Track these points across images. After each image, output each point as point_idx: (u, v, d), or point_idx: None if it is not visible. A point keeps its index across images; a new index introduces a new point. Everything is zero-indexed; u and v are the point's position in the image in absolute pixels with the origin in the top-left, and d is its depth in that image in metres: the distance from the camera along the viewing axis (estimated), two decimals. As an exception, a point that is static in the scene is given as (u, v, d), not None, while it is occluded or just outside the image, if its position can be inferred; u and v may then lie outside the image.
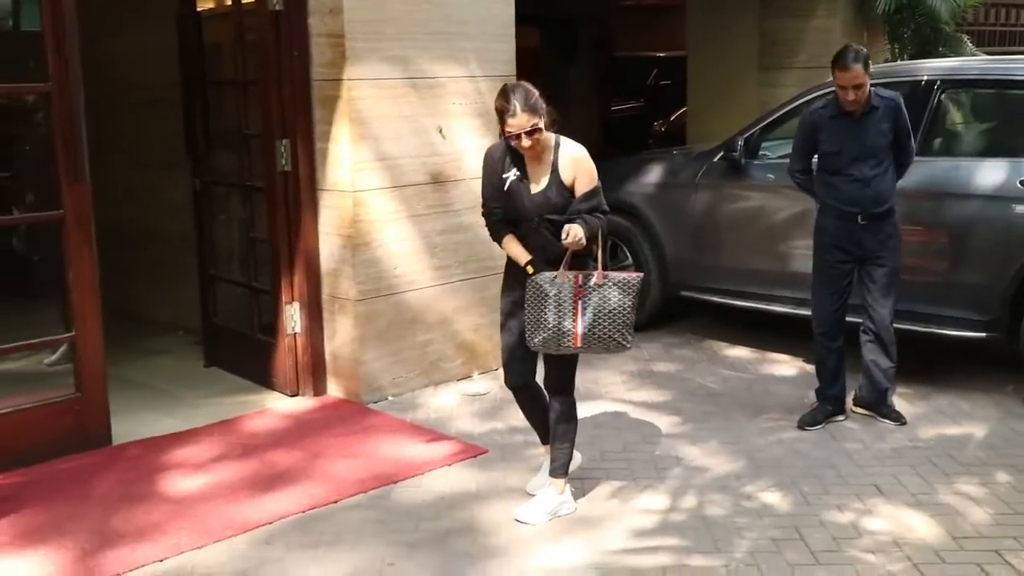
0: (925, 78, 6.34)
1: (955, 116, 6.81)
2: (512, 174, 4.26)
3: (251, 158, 6.26)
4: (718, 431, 5.51)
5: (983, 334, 5.93)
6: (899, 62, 8.90)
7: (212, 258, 6.74)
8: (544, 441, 4.66)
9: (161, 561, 4.12)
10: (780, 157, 6.68)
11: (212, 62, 6.65)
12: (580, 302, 4.14)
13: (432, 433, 5.48)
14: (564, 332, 4.14)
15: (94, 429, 5.25)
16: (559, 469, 4.51)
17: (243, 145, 6.31)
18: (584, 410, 5.77)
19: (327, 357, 6.10)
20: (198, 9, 6.61)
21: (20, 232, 6.54)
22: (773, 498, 4.68)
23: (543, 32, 15.35)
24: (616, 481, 4.87)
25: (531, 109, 4.08)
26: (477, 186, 6.30)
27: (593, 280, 4.16)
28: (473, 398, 6.03)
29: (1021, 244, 5.76)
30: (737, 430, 5.53)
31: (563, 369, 4.43)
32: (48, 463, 4.98)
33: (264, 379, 6.26)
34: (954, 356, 6.58)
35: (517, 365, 4.49)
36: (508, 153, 4.28)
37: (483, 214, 4.46)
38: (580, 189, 4.22)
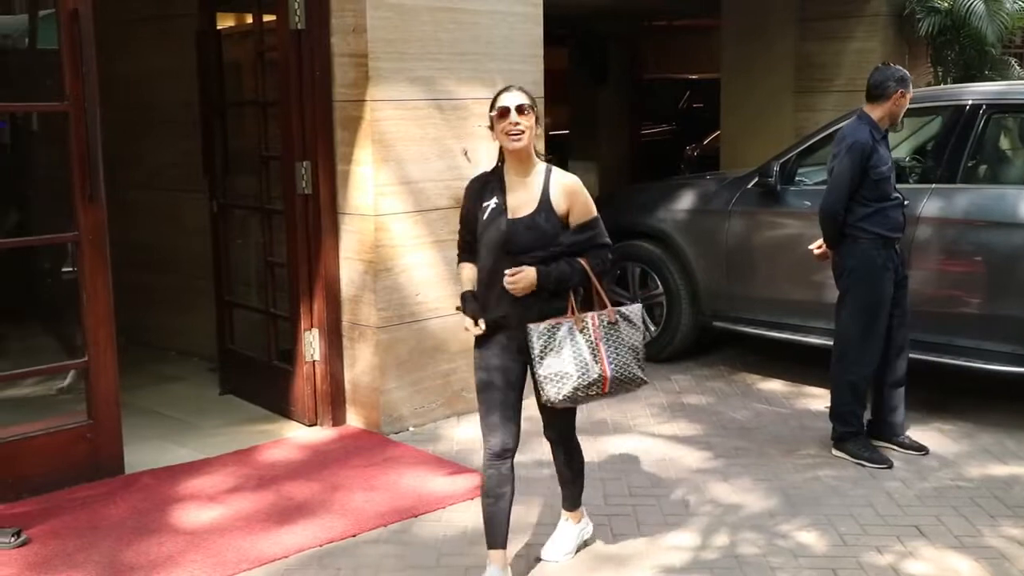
0: (970, 102, 6.35)
1: (1002, 142, 6.82)
2: (492, 202, 3.98)
3: (270, 180, 6.33)
4: (751, 467, 5.50)
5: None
6: (943, 86, 8.91)
7: (229, 283, 6.80)
8: (493, 544, 4.11)
9: (174, 595, 4.17)
10: (817, 184, 6.69)
11: (231, 81, 6.74)
12: (603, 344, 3.98)
13: (454, 466, 5.50)
14: (594, 380, 3.92)
15: (106, 457, 5.30)
16: (576, 503, 4.49)
17: (262, 167, 6.38)
18: (613, 444, 5.80)
19: (347, 386, 6.13)
20: (218, 27, 6.70)
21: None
22: (809, 538, 4.67)
23: (571, 53, 15.44)
24: (645, 517, 4.87)
25: (526, 93, 3.94)
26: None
27: (607, 319, 4.01)
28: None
29: None
30: (771, 466, 5.52)
31: (567, 416, 4.24)
32: (59, 492, 5.02)
33: (281, 408, 6.30)
34: (998, 393, 6.55)
35: (506, 427, 4.03)
36: (491, 181, 4.05)
37: (458, 243, 4.22)
38: (576, 219, 4.00)
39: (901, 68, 5.59)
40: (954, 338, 6.02)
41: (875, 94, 5.52)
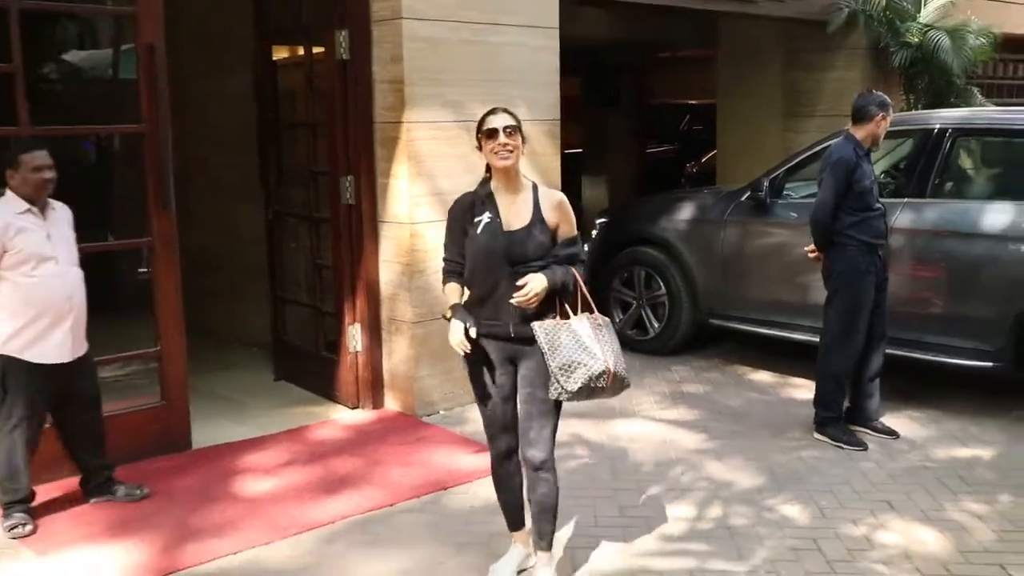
0: (937, 127, 6.35)
1: (965, 162, 6.81)
2: (486, 216, 3.70)
3: (318, 192, 6.37)
4: (742, 448, 5.51)
5: (989, 363, 5.89)
6: (912, 112, 8.88)
7: (282, 282, 6.84)
8: (514, 527, 4.05)
9: (234, 555, 4.20)
10: (803, 197, 6.73)
11: (285, 106, 6.78)
12: (598, 343, 3.63)
13: (480, 445, 5.50)
14: (601, 371, 3.58)
15: (176, 434, 5.36)
16: (551, 542, 3.95)
17: (311, 180, 6.43)
18: (620, 427, 5.82)
19: (385, 374, 6.17)
20: (273, 58, 6.76)
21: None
22: (793, 511, 4.68)
23: (585, 81, 15.44)
24: (648, 492, 4.89)
25: (511, 114, 3.71)
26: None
27: (598, 321, 3.70)
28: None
29: None
30: (760, 448, 5.53)
31: (549, 423, 3.78)
32: (136, 463, 5.08)
33: (328, 392, 6.34)
34: (964, 384, 6.53)
35: (507, 433, 3.87)
36: (479, 199, 3.76)
37: (443, 269, 3.88)
38: (564, 234, 3.74)
39: (882, 94, 5.60)
40: (924, 335, 6.02)
41: (859, 116, 5.53)
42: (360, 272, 6.05)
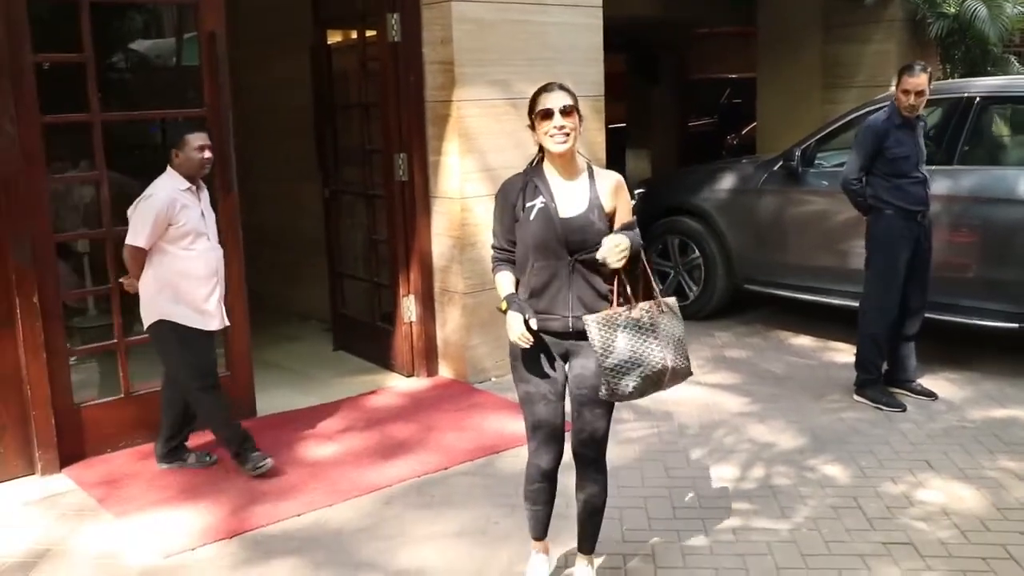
0: (966, 95, 6.25)
1: (997, 129, 6.66)
2: (539, 201, 3.26)
3: (372, 170, 6.38)
4: (784, 411, 5.46)
5: (1017, 325, 5.82)
6: (947, 80, 8.70)
7: (340, 257, 6.88)
8: (539, 536, 3.61)
9: (298, 516, 4.25)
10: (834, 166, 6.64)
11: (340, 87, 6.79)
12: (656, 336, 3.23)
13: (530, 410, 5.52)
14: (658, 370, 3.20)
15: (242, 402, 5.40)
16: (594, 545, 3.63)
17: (366, 159, 6.44)
18: (664, 392, 5.78)
19: (439, 343, 6.18)
20: (328, 42, 6.76)
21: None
22: (833, 471, 4.63)
23: (629, 58, 15.31)
24: (693, 453, 4.87)
25: (570, 93, 3.29)
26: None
27: (658, 309, 3.27)
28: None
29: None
30: (801, 410, 5.47)
31: (603, 420, 3.39)
32: (206, 431, 5.14)
33: (384, 362, 6.38)
34: (1002, 347, 6.41)
35: (554, 444, 3.40)
36: (530, 182, 3.33)
37: (492, 256, 3.46)
38: (621, 218, 3.32)
39: (913, 62, 5.45)
40: (958, 299, 5.92)
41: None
42: (413, 246, 6.06)
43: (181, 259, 4.48)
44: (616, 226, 3.30)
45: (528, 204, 3.28)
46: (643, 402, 5.57)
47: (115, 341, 5.03)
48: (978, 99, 6.17)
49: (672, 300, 3.37)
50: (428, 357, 6.17)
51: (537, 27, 6.00)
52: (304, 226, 7.49)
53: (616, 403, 3.34)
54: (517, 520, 4.17)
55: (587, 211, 3.25)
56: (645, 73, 15.55)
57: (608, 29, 6.40)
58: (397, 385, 6.08)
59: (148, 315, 4.55)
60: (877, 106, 5.68)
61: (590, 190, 3.30)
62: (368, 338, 6.57)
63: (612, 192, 3.32)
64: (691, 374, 3.39)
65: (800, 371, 6.21)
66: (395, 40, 5.86)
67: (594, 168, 3.38)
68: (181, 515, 4.28)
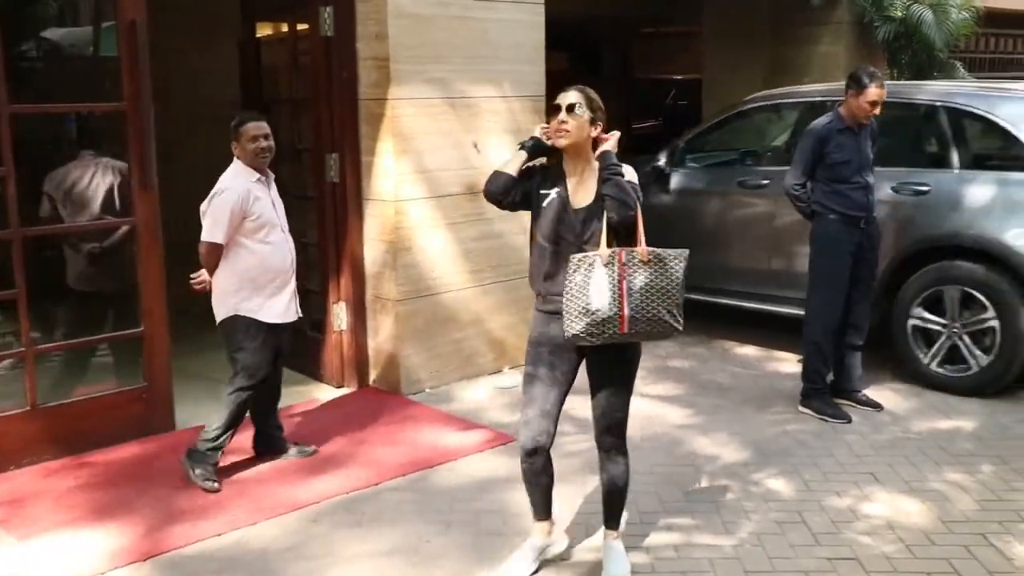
0: (797, 100, 6.93)
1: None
2: (554, 192, 3.61)
3: (302, 170, 6.30)
4: (728, 422, 5.49)
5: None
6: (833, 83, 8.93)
7: (267, 261, 6.77)
8: (540, 516, 3.88)
9: (219, 535, 4.16)
10: (707, 166, 7.22)
11: (269, 83, 6.70)
12: (625, 282, 3.44)
13: (466, 423, 5.49)
14: (609, 318, 3.42)
15: (160, 416, 5.30)
16: (620, 521, 3.93)
17: (296, 158, 6.35)
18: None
19: (370, 352, 6.12)
20: (257, 35, 6.67)
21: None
22: (778, 484, 4.67)
23: (571, 57, 15.36)
24: (633, 467, 4.84)
25: (584, 94, 3.58)
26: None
27: (638, 257, 3.48)
28: (504, 391, 6.04)
29: (897, 240, 6.01)
30: (745, 422, 5.51)
31: (622, 412, 3.74)
32: (119, 446, 5.03)
33: (313, 372, 6.29)
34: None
35: (540, 421, 3.67)
36: (552, 174, 3.67)
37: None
38: None
39: (870, 70, 5.46)
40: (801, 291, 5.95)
41: (845, 90, 5.50)
42: (345, 250, 5.99)
43: (258, 252, 4.58)
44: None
45: (543, 192, 3.63)
46: (584, 414, 5.57)
47: (23, 350, 4.89)
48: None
49: (673, 251, 3.53)
50: (359, 367, 6.10)
51: (477, 23, 5.98)
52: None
53: (630, 392, 3.75)
54: (451, 538, 4.13)
55: (594, 202, 3.56)
56: (587, 72, 15.64)
57: (551, 25, 6.40)
58: (326, 397, 6.00)
59: (222, 310, 4.66)
60: (756, 104, 5.79)
61: (599, 182, 3.56)
62: (296, 347, 6.40)
63: None
64: (677, 330, 3.61)
65: (744, 381, 6.26)
66: (328, 34, 5.80)
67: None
68: (91, 536, 4.16)
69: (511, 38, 6.17)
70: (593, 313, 3.43)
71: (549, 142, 3.65)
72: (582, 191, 3.60)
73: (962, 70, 9.85)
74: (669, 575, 3.85)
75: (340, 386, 6.11)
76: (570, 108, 3.54)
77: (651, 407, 5.73)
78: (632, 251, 3.49)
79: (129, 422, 5.18)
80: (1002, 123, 5.87)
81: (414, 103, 5.75)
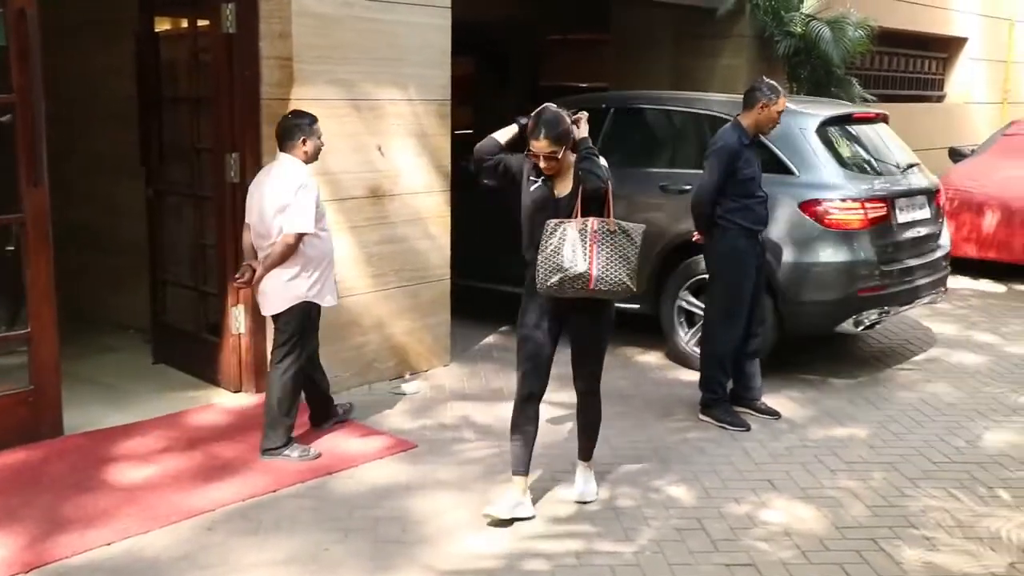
0: (603, 105, 7.32)
1: (625, 133, 7.38)
2: (540, 181, 4.30)
3: (202, 170, 6.17)
4: (629, 429, 5.55)
5: (637, 305, 6.62)
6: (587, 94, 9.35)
7: (163, 262, 6.61)
8: (519, 470, 4.44)
9: (109, 545, 4.05)
10: None
11: (168, 79, 6.55)
12: (596, 246, 4.12)
13: (366, 429, 5.44)
14: (579, 275, 4.10)
15: (47, 421, 5.12)
16: (588, 455, 4.68)
17: (195, 157, 6.22)
18: (507, 409, 5.76)
19: (269, 356, 6.00)
20: (155, 30, 6.51)
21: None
22: (678, 491, 4.73)
23: (478, 62, 15.36)
24: (534, 474, 4.87)
25: (555, 139, 4.17)
26: (413, 201, 6.31)
27: (607, 226, 4.17)
28: (405, 397, 6.00)
29: (659, 234, 6.44)
30: (646, 429, 5.57)
31: (596, 366, 4.52)
32: (3, 452, 4.85)
33: (209, 376, 6.16)
34: (843, 367, 6.71)
35: (538, 375, 4.40)
36: (530, 165, 4.33)
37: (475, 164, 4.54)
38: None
39: (771, 82, 5.60)
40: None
41: (745, 103, 5.58)
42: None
43: (321, 240, 4.97)
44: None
45: (532, 179, 4.32)
46: (484, 420, 5.61)
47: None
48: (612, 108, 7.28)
49: (633, 225, 4.24)
50: (257, 372, 5.98)
51: (384, 25, 5.94)
52: (124, 227, 7.18)
53: (604, 350, 4.55)
54: (350, 546, 4.08)
55: (571, 193, 4.25)
56: (495, 77, 15.65)
57: (458, 30, 6.39)
58: (223, 401, 5.88)
59: (283, 300, 4.94)
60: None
61: (574, 176, 4.24)
62: (192, 350, 6.34)
63: None
64: (633, 291, 4.25)
65: (646, 389, 6.32)
66: (230, 31, 5.69)
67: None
68: (-28, 546, 3.99)
69: (418, 41, 6.14)
70: (565, 270, 4.10)
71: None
72: (561, 184, 4.29)
73: (858, 87, 10.14)
74: (570, 582, 3.86)
75: (237, 391, 5.99)
76: (550, 157, 4.19)
77: (552, 413, 5.73)
78: (603, 221, 4.18)
79: (14, 427, 5.00)
80: None
81: (318, 104, 5.66)
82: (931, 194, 7.09)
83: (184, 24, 6.42)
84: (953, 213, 10.17)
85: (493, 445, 5.24)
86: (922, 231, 6.87)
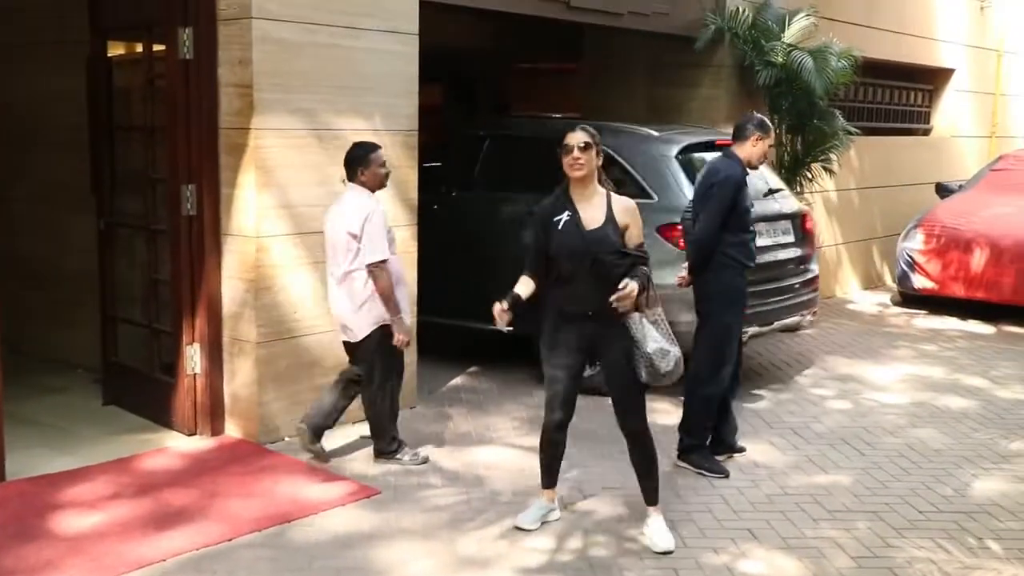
0: (480, 132, 7.92)
1: (499, 159, 7.81)
2: (566, 215, 4.49)
3: (156, 201, 6.19)
4: (603, 476, 5.57)
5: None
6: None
7: (114, 298, 6.60)
8: (547, 485, 4.90)
9: (52, 598, 4.02)
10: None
11: (121, 106, 6.57)
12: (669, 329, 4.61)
13: (327, 473, 5.44)
14: (679, 356, 4.54)
15: (-14, 465, 5.10)
16: (653, 497, 4.80)
17: (149, 188, 6.23)
18: (476, 454, 5.81)
19: (226, 398, 6.01)
20: (108, 54, 6.54)
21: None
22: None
23: (447, 91, 15.47)
24: (506, 522, 4.89)
25: (588, 133, 4.47)
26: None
27: (661, 315, 4.60)
28: (368, 440, 6.00)
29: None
30: (622, 474, 5.57)
31: (644, 402, 4.75)
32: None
33: (163, 418, 6.14)
34: (825, 410, 6.77)
35: (566, 408, 4.71)
36: (560, 201, 4.56)
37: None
38: (634, 238, 4.54)
39: (761, 116, 5.70)
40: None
41: (736, 136, 5.64)
42: (200, 288, 5.89)
43: (394, 263, 5.42)
44: (628, 242, 4.52)
45: (556, 218, 4.53)
46: (452, 466, 5.63)
47: None
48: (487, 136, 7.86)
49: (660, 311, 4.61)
50: (213, 414, 5.98)
51: (347, 52, 6.00)
52: (73, 261, 7.16)
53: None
54: (309, 599, 4.07)
55: (604, 225, 4.49)
56: (463, 107, 15.76)
57: (424, 57, 6.46)
58: (176, 445, 5.87)
59: (366, 324, 5.38)
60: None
61: (607, 210, 4.52)
62: (144, 391, 6.32)
63: (625, 212, 4.55)
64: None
65: (618, 432, 6.32)
66: (187, 57, 5.73)
67: (611, 194, 4.60)
68: (-94, 599, 3.96)
69: (383, 69, 6.20)
70: (673, 353, 4.52)
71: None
72: (592, 215, 4.51)
73: (841, 119, 10.27)
74: (540, 636, 3.87)
75: (192, 434, 5.98)
76: (582, 147, 4.43)
77: (523, 459, 5.76)
78: (658, 311, 4.57)
79: (-48, 473, 4.97)
80: (610, 151, 6.16)
81: (279, 134, 5.72)
82: (796, 219, 7.56)
83: (139, 49, 6.45)
84: (939, 251, 10.33)
85: (460, 492, 5.25)
86: (782, 255, 7.33)
